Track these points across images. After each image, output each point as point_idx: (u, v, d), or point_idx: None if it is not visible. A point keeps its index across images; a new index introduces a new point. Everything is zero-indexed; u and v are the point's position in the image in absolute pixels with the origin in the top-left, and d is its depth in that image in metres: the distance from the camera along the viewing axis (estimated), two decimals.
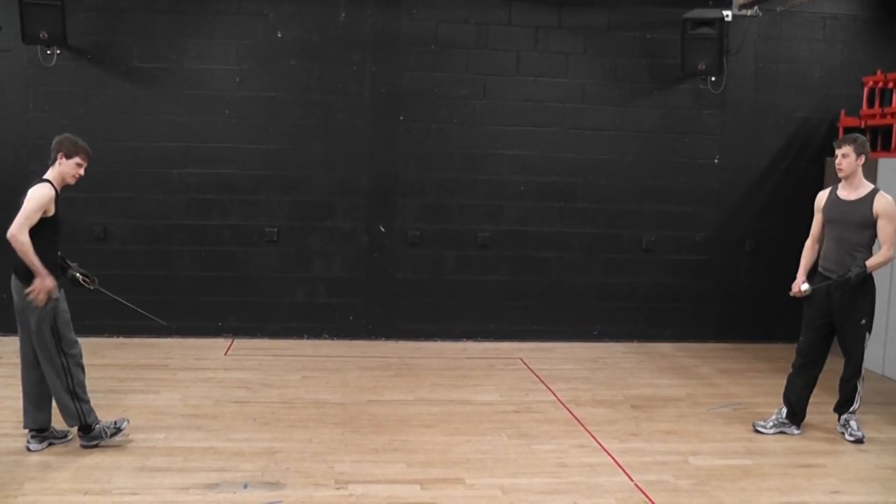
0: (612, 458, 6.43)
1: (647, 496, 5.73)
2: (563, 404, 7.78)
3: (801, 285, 6.93)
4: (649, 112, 10.15)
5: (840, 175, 6.83)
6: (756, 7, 9.67)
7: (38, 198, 5.89)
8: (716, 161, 10.26)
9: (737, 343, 10.24)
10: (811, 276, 7.00)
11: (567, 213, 10.14)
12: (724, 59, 9.79)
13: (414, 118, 9.86)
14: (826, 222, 6.97)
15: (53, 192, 5.99)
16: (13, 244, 5.83)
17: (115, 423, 6.36)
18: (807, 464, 6.44)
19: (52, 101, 9.41)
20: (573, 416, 7.44)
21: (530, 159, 10.03)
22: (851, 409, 7.02)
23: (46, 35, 8.81)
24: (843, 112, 10.07)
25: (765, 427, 7.10)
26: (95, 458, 6.11)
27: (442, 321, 10.10)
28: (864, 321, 6.79)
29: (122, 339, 9.38)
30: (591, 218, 10.17)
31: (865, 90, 9.95)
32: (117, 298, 6.79)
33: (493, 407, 7.65)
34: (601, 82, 10.08)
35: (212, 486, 5.68)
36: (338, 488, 5.72)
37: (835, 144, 6.93)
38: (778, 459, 6.52)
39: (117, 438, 6.34)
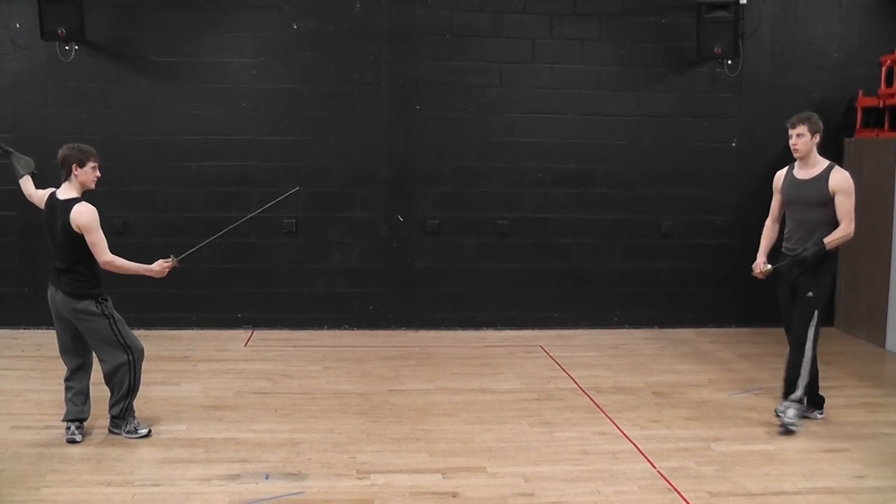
0: (634, 444, 6.42)
1: (669, 483, 5.72)
2: (584, 391, 7.77)
3: (761, 265, 6.89)
4: (666, 97, 10.10)
5: (796, 155, 6.73)
6: None
7: (93, 221, 6.04)
8: (733, 144, 10.21)
9: (758, 328, 10.19)
10: (776, 256, 6.94)
11: (585, 199, 10.11)
12: (740, 42, 9.75)
13: (430, 107, 9.85)
14: (785, 203, 6.90)
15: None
16: (112, 269, 6.15)
17: (137, 427, 6.43)
18: (830, 448, 6.41)
19: (71, 96, 9.47)
20: (594, 403, 7.44)
21: (547, 146, 10.00)
22: (792, 395, 6.78)
23: (64, 31, 8.88)
24: (861, 92, 10.00)
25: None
26: (118, 450, 6.15)
27: (462, 310, 10.11)
28: (810, 293, 6.65)
29: (143, 332, 9.37)
30: (609, 204, 10.15)
31: (883, 69, 9.90)
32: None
33: (514, 395, 7.66)
34: (617, 68, 10.04)
35: (234, 478, 5.71)
36: (360, 478, 5.74)
37: (788, 124, 6.77)
38: (801, 444, 6.49)
39: (129, 438, 6.39)
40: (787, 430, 6.69)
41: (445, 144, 9.91)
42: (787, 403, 6.79)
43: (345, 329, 9.99)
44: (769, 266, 6.84)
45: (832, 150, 10.08)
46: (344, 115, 9.78)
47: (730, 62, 9.91)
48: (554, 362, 8.77)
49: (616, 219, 10.18)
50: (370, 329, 9.99)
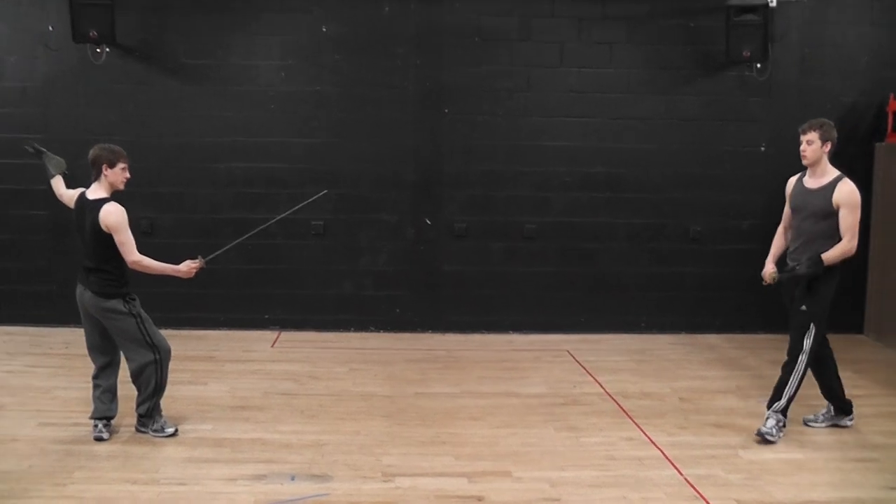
0: (661, 451, 6.39)
1: (696, 491, 5.68)
2: (610, 396, 7.74)
3: (769, 272, 6.75)
4: (694, 100, 10.04)
5: (804, 163, 6.59)
6: None
7: (122, 221, 6.10)
8: (762, 148, 10.12)
9: (785, 334, 9.96)
10: (783, 264, 6.83)
11: (613, 203, 10.07)
12: (769, 46, 9.64)
13: (458, 111, 9.85)
14: (791, 210, 6.77)
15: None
16: (139, 269, 6.21)
17: (164, 426, 6.48)
18: (861, 458, 6.34)
19: (101, 98, 9.54)
20: (621, 408, 7.41)
21: (575, 150, 9.97)
22: (776, 405, 6.63)
23: (96, 34, 8.94)
24: (892, 96, 9.87)
25: (815, 422, 6.98)
26: (143, 449, 6.20)
27: (488, 313, 10.09)
28: (804, 307, 6.53)
29: (170, 331, 9.37)
30: (637, 208, 10.10)
31: None
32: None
33: (540, 399, 7.64)
34: (645, 71, 9.99)
35: (259, 478, 5.73)
36: (385, 481, 5.74)
37: (799, 129, 6.62)
38: (831, 453, 6.42)
39: (155, 437, 6.43)
40: (763, 440, 6.55)
41: (473, 148, 9.90)
42: (768, 413, 6.68)
43: (371, 331, 10.00)
44: (777, 273, 6.72)
45: (862, 155, 10.03)
46: (372, 118, 9.79)
47: (759, 65, 9.81)
48: (580, 367, 8.74)
49: (644, 223, 10.13)
50: (396, 332, 9.99)
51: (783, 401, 6.60)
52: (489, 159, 9.92)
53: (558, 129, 9.94)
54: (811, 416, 7.01)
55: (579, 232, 10.08)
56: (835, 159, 9.90)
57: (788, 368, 6.63)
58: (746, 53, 9.48)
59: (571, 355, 9.18)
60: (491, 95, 9.86)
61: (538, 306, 10.13)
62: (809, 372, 6.75)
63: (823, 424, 6.95)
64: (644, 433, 6.77)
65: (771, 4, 9.44)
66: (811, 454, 6.39)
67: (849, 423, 6.95)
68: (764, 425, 6.61)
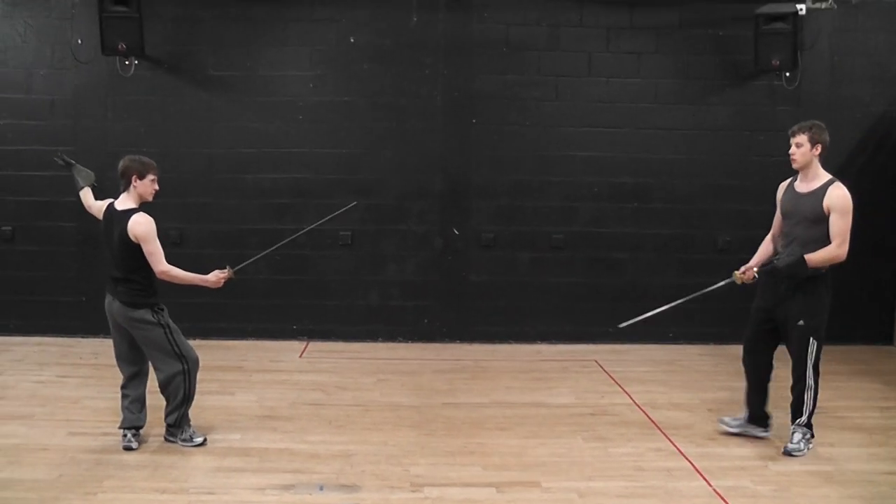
0: (690, 462, 6.34)
1: (725, 502, 5.63)
2: (639, 407, 7.70)
3: (749, 270, 6.51)
4: (723, 110, 9.99)
5: (794, 166, 6.44)
6: None
7: (150, 231, 6.13)
8: None
9: None
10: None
11: (641, 213, 10.04)
12: (799, 54, 9.58)
13: (486, 120, 9.85)
14: (782, 215, 6.62)
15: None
16: (167, 279, 6.22)
17: (192, 435, 6.50)
18: (891, 471, 6.25)
19: (130, 110, 9.62)
20: (649, 419, 7.37)
21: (603, 160, 9.95)
22: (798, 420, 6.51)
23: (125, 46, 9.02)
24: None
25: (728, 424, 6.86)
26: (172, 458, 6.22)
27: (516, 323, 10.07)
28: (801, 321, 6.33)
29: (198, 341, 9.45)
30: (665, 218, 10.05)
31: None
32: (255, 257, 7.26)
33: (568, 409, 7.61)
34: (673, 81, 9.96)
35: (288, 488, 5.73)
36: (413, 491, 5.73)
37: (789, 132, 6.45)
38: (860, 466, 6.34)
39: (184, 446, 6.45)
40: (788, 453, 6.46)
41: (501, 158, 9.90)
42: (793, 427, 6.56)
43: (399, 341, 10.01)
44: (756, 270, 6.47)
45: (892, 164, 9.94)
46: (399, 127, 9.82)
47: (788, 74, 9.75)
48: (608, 377, 8.71)
49: (672, 233, 10.08)
50: (424, 342, 9.99)
51: (804, 417, 6.51)
52: (517, 169, 9.92)
53: (586, 139, 9.92)
54: (728, 418, 6.88)
55: (607, 242, 10.05)
56: (866, 168, 9.87)
57: (799, 387, 6.48)
58: (775, 62, 9.43)
59: (599, 365, 9.15)
60: (519, 105, 9.86)
61: (566, 316, 10.10)
62: (744, 374, 6.81)
63: (735, 429, 6.84)
64: (673, 444, 6.73)
65: (800, 13, 9.37)
66: (841, 466, 6.31)
67: (762, 434, 6.78)
68: (791, 441, 6.53)
